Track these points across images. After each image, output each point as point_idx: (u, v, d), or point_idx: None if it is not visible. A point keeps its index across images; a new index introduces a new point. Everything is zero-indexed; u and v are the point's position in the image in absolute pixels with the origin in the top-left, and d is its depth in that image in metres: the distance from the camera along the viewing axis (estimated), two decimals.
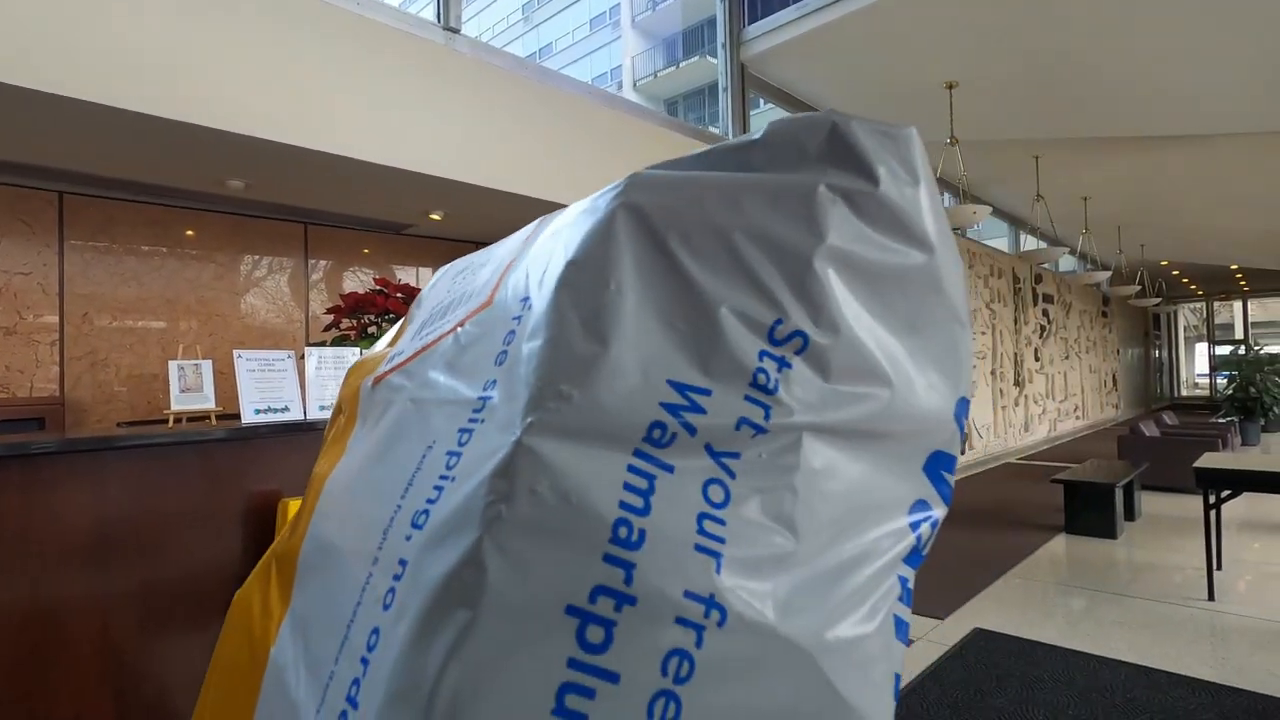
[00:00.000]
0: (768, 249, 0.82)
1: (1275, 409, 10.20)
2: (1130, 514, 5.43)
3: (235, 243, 4.33)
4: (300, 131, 2.99)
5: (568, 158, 4.12)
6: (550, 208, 4.10)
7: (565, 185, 4.06)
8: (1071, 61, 5.11)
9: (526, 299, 0.93)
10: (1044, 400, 10.95)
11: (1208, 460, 3.93)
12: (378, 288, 3.06)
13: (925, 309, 0.88)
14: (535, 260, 0.98)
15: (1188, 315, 21.17)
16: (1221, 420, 9.58)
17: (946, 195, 8.72)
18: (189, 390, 2.27)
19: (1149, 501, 6.09)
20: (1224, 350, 15.13)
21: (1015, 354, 9.92)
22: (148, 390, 3.93)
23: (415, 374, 1.09)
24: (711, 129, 5.37)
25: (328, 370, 2.50)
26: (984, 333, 8.97)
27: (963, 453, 8.18)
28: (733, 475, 0.76)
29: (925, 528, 0.85)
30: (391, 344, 1.33)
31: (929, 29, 4.78)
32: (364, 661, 0.80)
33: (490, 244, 1.33)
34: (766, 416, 0.77)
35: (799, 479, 0.77)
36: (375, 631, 0.80)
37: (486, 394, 0.88)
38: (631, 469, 0.73)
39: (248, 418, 2.27)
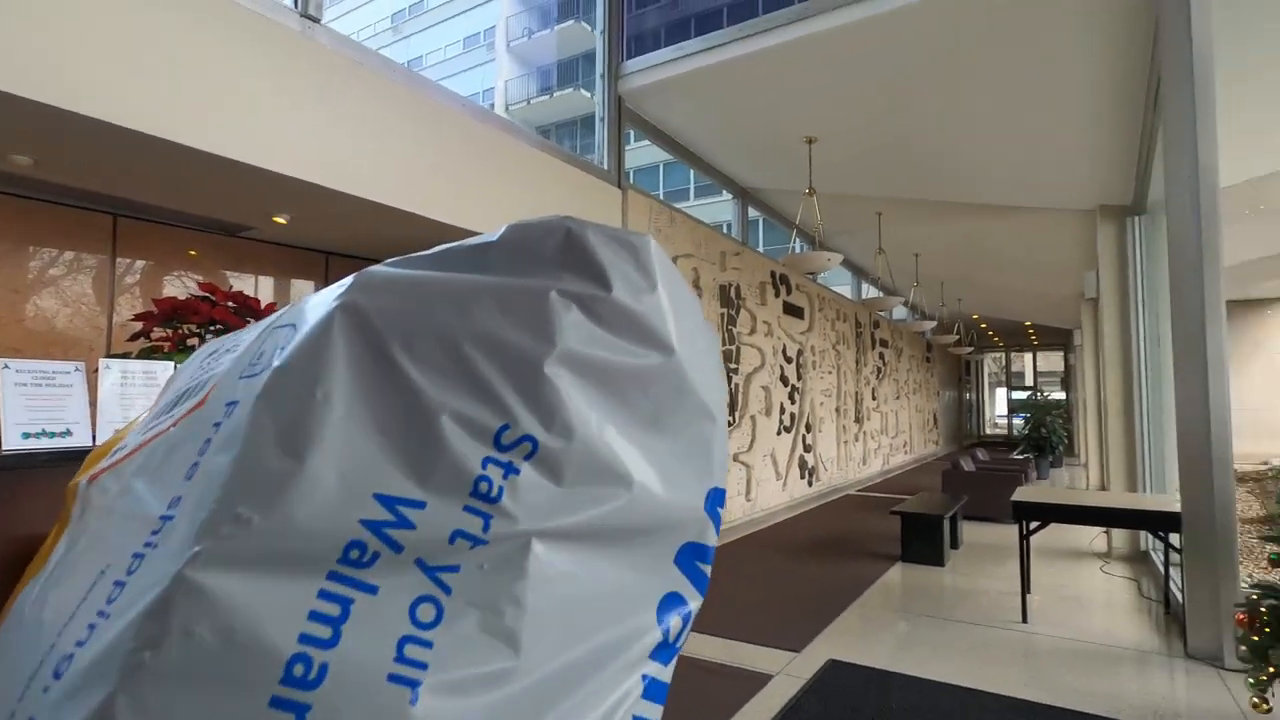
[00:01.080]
0: (496, 354, 0.81)
1: (1060, 447, 11.86)
2: (954, 543, 5.95)
3: (17, 230, 3.61)
4: (105, 103, 2.54)
5: (433, 167, 3.88)
6: (409, 217, 3.83)
7: (428, 196, 3.81)
8: (911, 132, 5.67)
9: (233, 404, 0.86)
10: (880, 436, 11.92)
11: (1022, 494, 4.39)
12: (203, 294, 2.65)
13: (669, 407, 0.88)
14: (254, 359, 0.92)
15: (990, 363, 24.25)
16: (1020, 456, 10.93)
17: (800, 242, 9.32)
18: None
19: (968, 531, 6.73)
20: (1019, 395, 17.46)
21: (856, 393, 10.73)
22: None
23: (123, 476, 0.97)
24: (587, 157, 5.34)
25: (135, 387, 2.09)
26: (830, 372, 9.62)
27: (810, 485, 8.64)
28: (448, 590, 0.72)
29: (676, 620, 0.85)
30: (129, 430, 1.16)
31: (793, 86, 5.09)
32: None
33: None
34: (486, 527, 0.75)
35: (525, 587, 0.74)
36: None
37: (169, 513, 0.81)
38: (323, 594, 0.69)
39: (11, 443, 1.83)
